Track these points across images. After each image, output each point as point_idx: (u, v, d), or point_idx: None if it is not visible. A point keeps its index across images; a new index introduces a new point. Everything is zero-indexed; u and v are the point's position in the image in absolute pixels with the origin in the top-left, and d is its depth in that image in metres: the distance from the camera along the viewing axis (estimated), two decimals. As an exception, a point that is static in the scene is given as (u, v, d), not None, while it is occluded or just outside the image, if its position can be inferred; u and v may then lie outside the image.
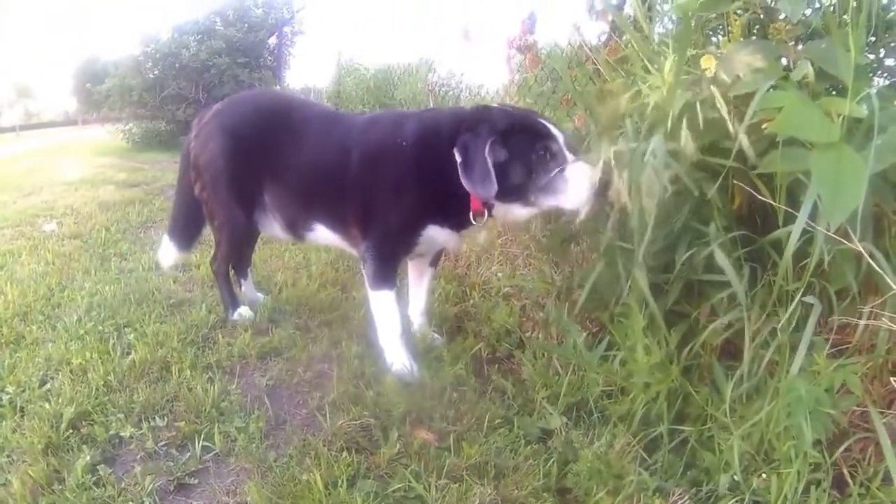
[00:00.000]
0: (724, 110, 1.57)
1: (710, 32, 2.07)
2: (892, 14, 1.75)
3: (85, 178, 7.75)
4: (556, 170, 1.98)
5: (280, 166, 2.41)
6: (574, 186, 1.95)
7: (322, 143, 2.34)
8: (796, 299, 1.56)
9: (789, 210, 1.58)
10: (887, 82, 1.84)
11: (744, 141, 1.53)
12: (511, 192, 2.03)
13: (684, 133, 1.59)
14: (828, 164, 1.38)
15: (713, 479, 1.61)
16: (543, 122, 2.07)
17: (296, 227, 2.47)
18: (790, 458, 1.51)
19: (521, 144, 2.01)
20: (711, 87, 1.61)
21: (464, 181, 2.00)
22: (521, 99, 3.28)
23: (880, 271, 1.43)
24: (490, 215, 2.13)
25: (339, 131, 2.35)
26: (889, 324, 1.48)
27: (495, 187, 1.97)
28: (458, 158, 2.00)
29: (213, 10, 12.86)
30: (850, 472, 1.55)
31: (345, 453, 1.71)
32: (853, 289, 1.58)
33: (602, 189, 1.84)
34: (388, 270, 2.22)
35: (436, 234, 2.21)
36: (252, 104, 2.65)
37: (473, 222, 2.14)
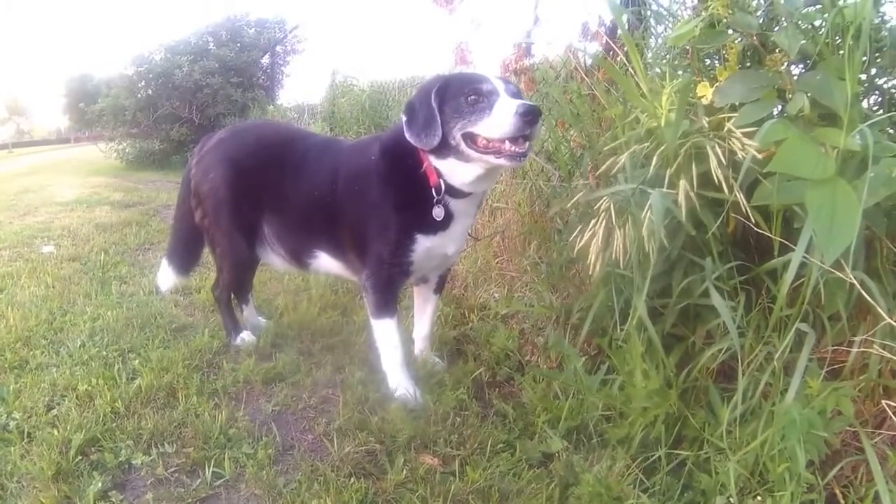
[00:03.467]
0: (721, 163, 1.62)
1: (706, 58, 2.09)
2: (883, 34, 1.76)
3: (80, 198, 7.77)
4: (486, 108, 1.92)
5: (281, 196, 2.44)
6: (499, 113, 1.88)
7: (317, 171, 2.36)
8: (792, 328, 1.60)
9: (784, 242, 1.62)
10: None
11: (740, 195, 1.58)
12: (447, 143, 2.00)
13: (682, 186, 1.63)
14: (823, 199, 1.39)
15: (710, 501, 1.64)
16: (486, 74, 2.04)
17: (298, 256, 2.49)
18: (784, 479, 1.54)
19: (453, 91, 2.00)
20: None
21: (409, 136, 2.02)
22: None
23: (872, 302, 1.47)
24: (446, 186, 2.09)
25: (330, 158, 2.38)
26: (880, 350, 1.52)
27: (439, 133, 1.97)
28: (403, 119, 2.04)
29: (205, 31, 13.02)
30: (842, 493, 1.59)
31: (353, 479, 1.74)
32: (844, 316, 1.61)
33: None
34: (388, 299, 2.24)
35: (429, 245, 2.17)
36: (254, 134, 2.67)
37: (437, 198, 2.10)
